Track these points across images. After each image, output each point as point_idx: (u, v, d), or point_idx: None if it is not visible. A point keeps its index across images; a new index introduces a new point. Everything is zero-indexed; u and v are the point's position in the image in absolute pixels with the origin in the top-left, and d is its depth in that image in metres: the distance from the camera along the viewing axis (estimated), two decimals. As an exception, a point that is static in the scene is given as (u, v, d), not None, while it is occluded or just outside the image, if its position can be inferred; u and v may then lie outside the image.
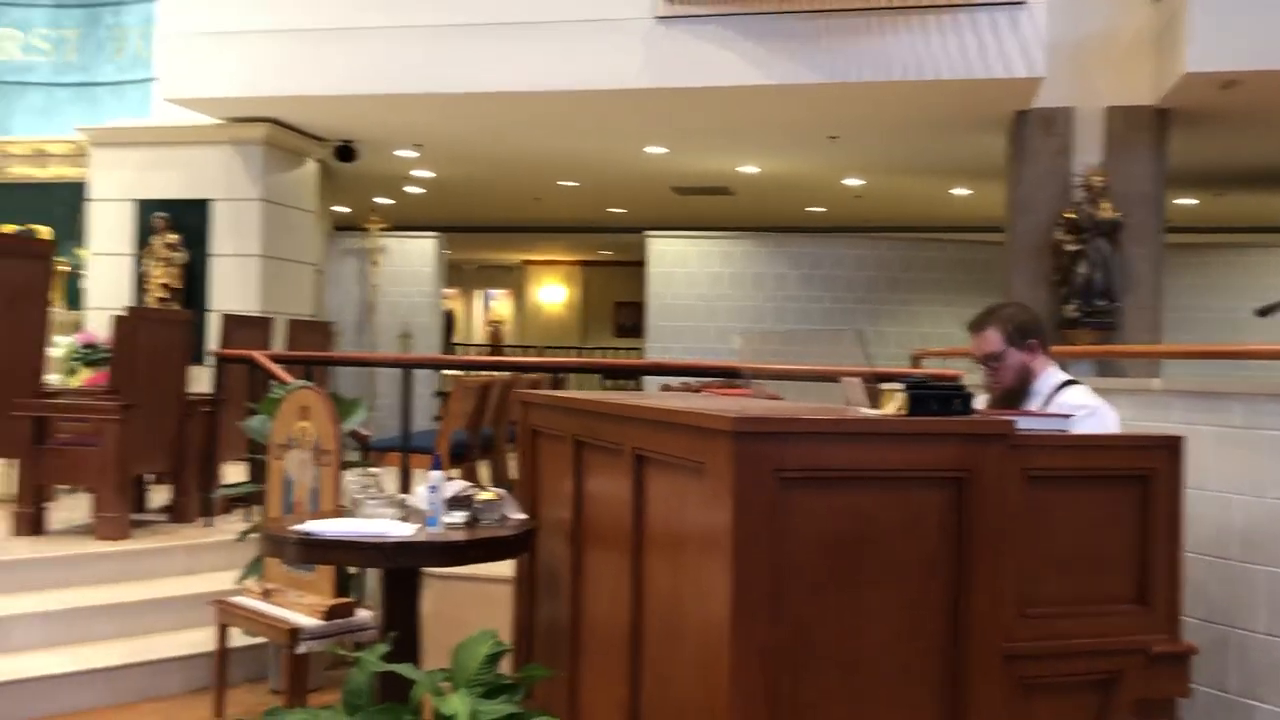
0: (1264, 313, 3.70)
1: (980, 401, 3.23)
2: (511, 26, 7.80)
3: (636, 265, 13.69)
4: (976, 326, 3.23)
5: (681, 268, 12.44)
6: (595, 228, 16.92)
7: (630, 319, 20.57)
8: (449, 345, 17.94)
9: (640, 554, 2.60)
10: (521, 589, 3.48)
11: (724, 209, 14.12)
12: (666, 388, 4.95)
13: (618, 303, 21.27)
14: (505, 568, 3.64)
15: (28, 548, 5.18)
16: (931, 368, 6.61)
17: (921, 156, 10.45)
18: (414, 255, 12.57)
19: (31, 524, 5.42)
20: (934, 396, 2.27)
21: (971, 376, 3.22)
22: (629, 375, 10.73)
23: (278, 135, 9.38)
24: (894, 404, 2.30)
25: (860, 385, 2.47)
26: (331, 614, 3.88)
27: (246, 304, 9.14)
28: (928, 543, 2.21)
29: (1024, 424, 2.40)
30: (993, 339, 3.18)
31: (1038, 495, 2.31)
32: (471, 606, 4.56)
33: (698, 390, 4.26)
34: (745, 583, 2.09)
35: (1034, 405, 3.10)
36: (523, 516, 3.35)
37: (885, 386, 2.36)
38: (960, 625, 2.21)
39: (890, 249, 12.55)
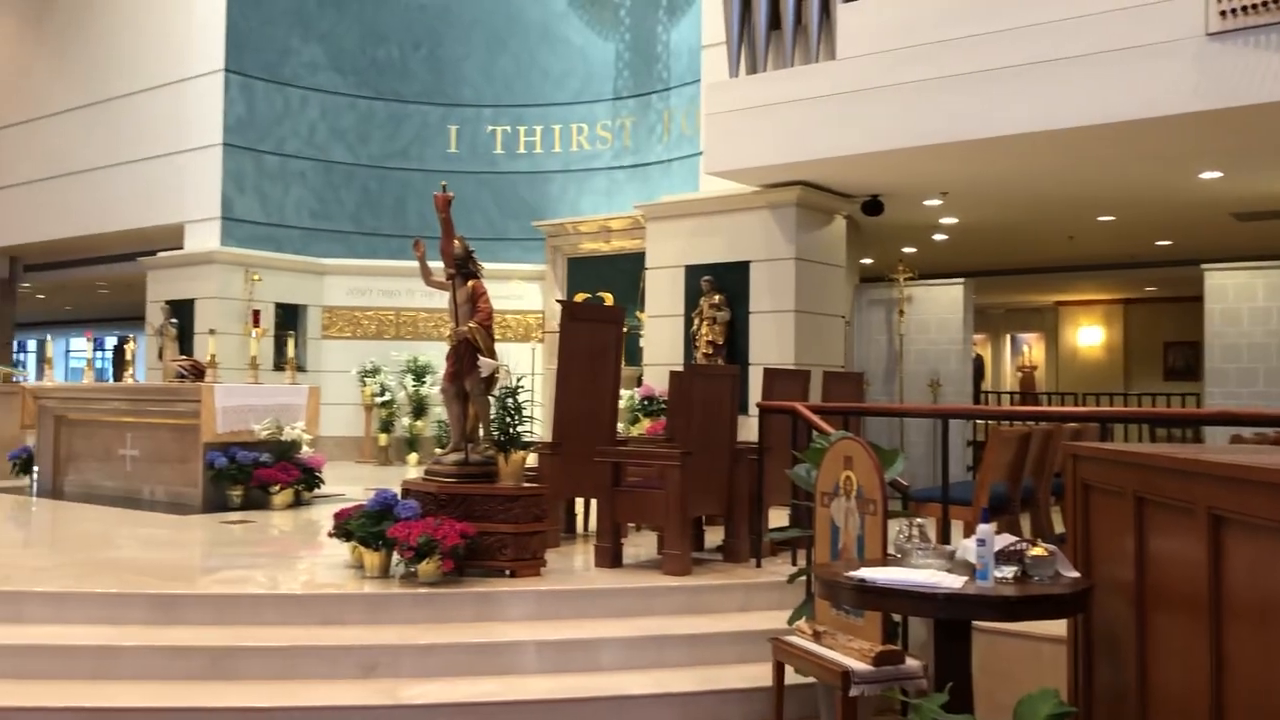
0: None
1: None
2: (1040, 65, 7.56)
3: (1189, 301, 12.47)
4: None
5: (1247, 302, 11.11)
6: (1139, 263, 15.70)
7: (1181, 360, 18.75)
8: (978, 393, 17.52)
9: (1219, 622, 2.40)
10: (1076, 649, 3.33)
11: (1297, 233, 12.46)
12: (1237, 439, 4.48)
13: (1167, 343, 19.51)
14: (1052, 625, 3.51)
15: (608, 579, 5.86)
16: None
17: None
18: (941, 302, 12.48)
19: (610, 557, 6.14)
20: None
21: None
22: (1188, 425, 9.73)
23: (808, 196, 9.88)
24: None
25: None
26: (881, 660, 3.96)
27: (782, 357, 9.68)
28: None
29: None
30: None
31: None
32: (1018, 662, 4.44)
33: (1278, 442, 3.83)
34: (1358, 663, 1.86)
35: None
36: (1075, 574, 3.22)
37: None
38: None
39: None
